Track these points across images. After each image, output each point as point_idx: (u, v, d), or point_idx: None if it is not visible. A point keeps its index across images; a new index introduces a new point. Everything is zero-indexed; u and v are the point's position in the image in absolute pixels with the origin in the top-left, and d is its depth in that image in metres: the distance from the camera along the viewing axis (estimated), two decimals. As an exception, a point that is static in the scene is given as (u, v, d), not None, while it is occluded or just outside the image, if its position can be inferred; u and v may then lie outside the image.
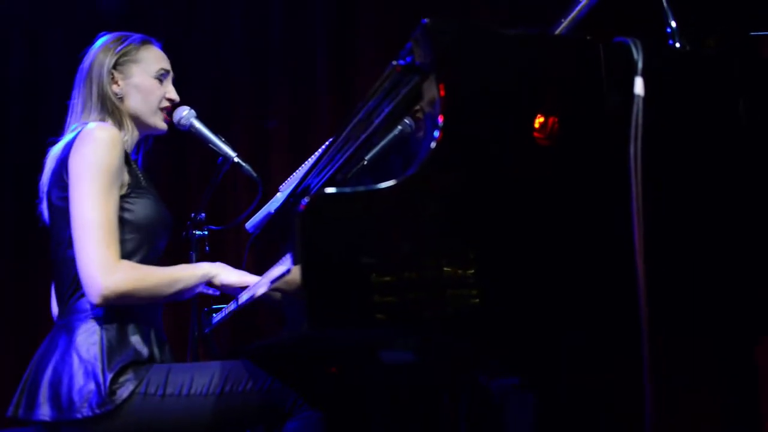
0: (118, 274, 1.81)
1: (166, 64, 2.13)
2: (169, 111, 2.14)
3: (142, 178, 2.03)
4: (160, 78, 2.10)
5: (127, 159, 1.98)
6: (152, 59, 2.10)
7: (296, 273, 1.27)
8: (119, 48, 2.07)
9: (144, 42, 2.12)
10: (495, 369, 1.69)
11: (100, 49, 2.08)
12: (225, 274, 1.98)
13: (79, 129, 1.94)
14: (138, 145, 2.13)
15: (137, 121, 2.07)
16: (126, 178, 1.94)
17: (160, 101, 2.10)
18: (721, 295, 1.52)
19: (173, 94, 2.13)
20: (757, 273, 1.53)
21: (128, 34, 2.12)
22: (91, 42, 2.12)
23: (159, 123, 2.11)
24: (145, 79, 2.07)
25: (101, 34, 2.13)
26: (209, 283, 1.99)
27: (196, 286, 1.98)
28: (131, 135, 2.06)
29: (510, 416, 1.66)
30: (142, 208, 1.96)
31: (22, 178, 2.43)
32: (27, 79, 4.09)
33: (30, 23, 4.08)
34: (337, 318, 1.28)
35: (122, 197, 1.92)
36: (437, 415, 2.15)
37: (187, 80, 2.26)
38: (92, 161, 1.86)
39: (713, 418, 1.82)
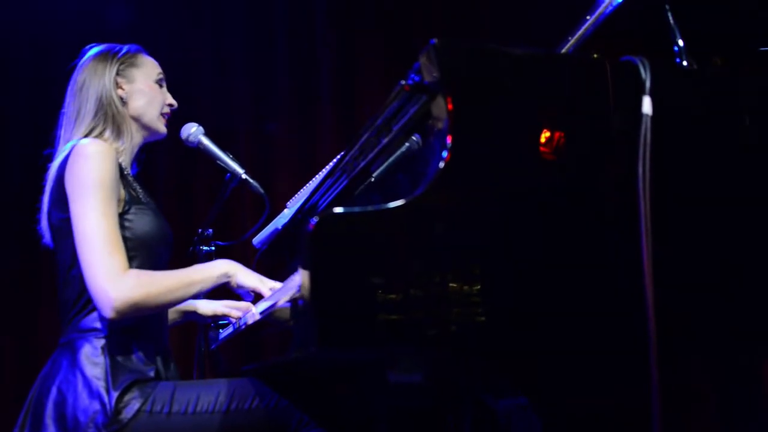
0: (128, 283, 1.78)
1: (161, 70, 2.16)
2: (168, 117, 2.16)
3: (140, 193, 2.01)
4: (160, 83, 2.13)
5: (123, 174, 1.96)
6: (150, 65, 2.13)
7: (306, 292, 1.27)
8: (119, 55, 2.08)
9: (137, 51, 2.14)
10: (501, 389, 1.69)
11: (97, 60, 2.07)
12: (243, 274, 1.94)
13: (71, 145, 1.93)
14: (135, 156, 2.11)
15: (140, 123, 2.07)
16: (122, 194, 1.93)
17: (162, 107, 2.12)
18: (729, 310, 1.52)
19: (172, 100, 2.15)
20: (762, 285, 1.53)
21: (118, 45, 2.12)
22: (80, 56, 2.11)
23: (161, 127, 2.12)
24: (148, 84, 2.09)
25: (89, 47, 2.13)
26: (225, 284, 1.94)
27: (214, 287, 1.93)
28: (131, 142, 2.05)
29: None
30: (141, 225, 1.93)
31: (24, 195, 2.41)
32: (34, 90, 4.09)
33: (38, 38, 4.09)
34: (345, 337, 1.28)
35: (120, 215, 1.90)
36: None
37: (188, 93, 2.27)
38: (88, 177, 1.85)
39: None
